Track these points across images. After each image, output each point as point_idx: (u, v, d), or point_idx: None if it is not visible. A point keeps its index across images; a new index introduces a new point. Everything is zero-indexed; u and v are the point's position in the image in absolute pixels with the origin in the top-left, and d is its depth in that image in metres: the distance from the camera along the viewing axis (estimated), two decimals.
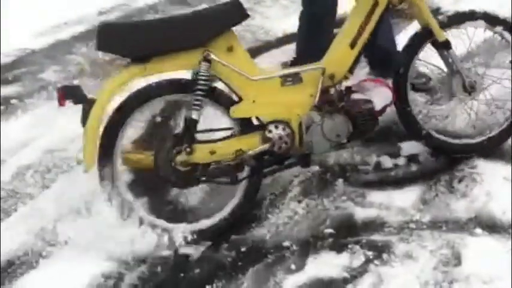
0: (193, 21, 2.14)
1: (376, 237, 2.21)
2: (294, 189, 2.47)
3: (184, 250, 2.19)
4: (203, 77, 2.11)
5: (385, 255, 2.11)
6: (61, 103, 2.10)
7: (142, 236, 2.17)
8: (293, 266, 2.11)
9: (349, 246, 2.17)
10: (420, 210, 2.31)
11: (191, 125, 2.14)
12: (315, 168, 2.58)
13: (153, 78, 2.17)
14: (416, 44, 2.42)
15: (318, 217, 2.33)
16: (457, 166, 2.49)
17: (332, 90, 2.25)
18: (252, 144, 2.19)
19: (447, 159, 2.54)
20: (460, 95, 2.46)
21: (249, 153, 2.16)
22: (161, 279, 2.10)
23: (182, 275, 2.11)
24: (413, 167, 2.54)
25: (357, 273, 2.06)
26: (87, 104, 2.10)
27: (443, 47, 2.37)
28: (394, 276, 2.04)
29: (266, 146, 2.18)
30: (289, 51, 3.48)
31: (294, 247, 2.20)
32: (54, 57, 3.67)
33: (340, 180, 2.50)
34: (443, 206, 2.32)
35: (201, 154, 2.15)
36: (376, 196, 2.41)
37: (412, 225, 2.25)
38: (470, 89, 2.41)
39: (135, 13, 4.14)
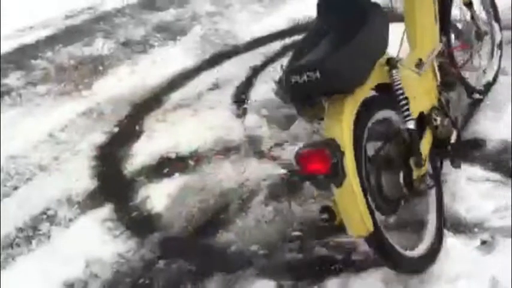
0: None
1: (343, 238, 2.21)
2: (261, 193, 2.47)
3: None
4: (398, 85, 1.91)
5: (351, 257, 2.11)
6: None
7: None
8: (260, 271, 2.10)
9: (316, 248, 2.17)
10: None
11: (414, 135, 1.92)
12: (283, 171, 2.58)
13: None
14: None
15: (285, 220, 2.33)
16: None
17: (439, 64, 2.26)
18: (428, 141, 2.04)
19: None
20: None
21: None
22: (127, 285, 2.08)
23: (147, 281, 2.08)
24: None
25: (324, 275, 2.06)
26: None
27: None
28: (361, 277, 2.05)
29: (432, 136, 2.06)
30: (258, 55, 3.49)
31: (262, 251, 2.19)
32: (18, 62, 3.61)
33: (308, 184, 2.50)
34: (406, 207, 2.33)
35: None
36: None
37: None
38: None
39: (103, 17, 4.09)
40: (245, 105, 3.06)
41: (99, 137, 2.90)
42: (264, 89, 3.17)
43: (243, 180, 2.54)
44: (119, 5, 4.21)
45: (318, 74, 1.66)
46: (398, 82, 1.90)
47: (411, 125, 1.90)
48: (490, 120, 2.72)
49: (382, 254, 1.89)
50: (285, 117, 2.92)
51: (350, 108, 1.76)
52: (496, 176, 2.42)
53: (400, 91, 1.90)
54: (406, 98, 1.91)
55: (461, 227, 2.21)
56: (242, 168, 2.62)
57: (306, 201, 2.42)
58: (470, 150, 2.30)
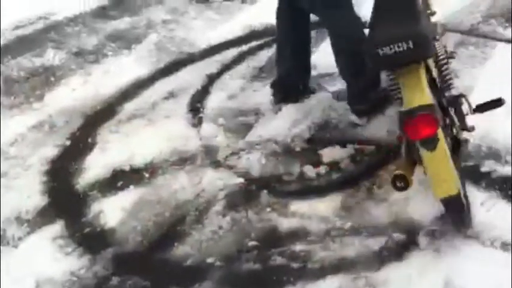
0: None
1: (299, 247, 2.21)
2: (218, 203, 2.44)
3: None
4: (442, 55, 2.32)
5: (307, 265, 2.11)
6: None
7: None
8: (217, 284, 2.08)
9: (273, 257, 2.16)
10: (342, 217, 2.33)
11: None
12: (240, 180, 2.56)
13: None
14: None
15: (242, 230, 2.31)
16: (376, 172, 2.53)
17: None
18: None
19: (367, 165, 2.58)
20: None
21: None
22: None
23: None
24: (335, 175, 2.56)
25: (281, 285, 2.05)
26: None
27: None
28: (317, 286, 2.05)
29: None
30: (214, 63, 3.46)
31: (218, 263, 2.17)
32: None
33: (265, 192, 2.49)
34: (363, 212, 2.35)
35: None
36: (299, 206, 2.41)
37: (334, 233, 2.26)
38: None
39: (54, 26, 3.99)
40: (201, 114, 3.03)
41: (50, 151, 2.83)
42: (220, 97, 3.15)
43: (199, 191, 2.51)
44: (70, 14, 4.12)
45: (411, 44, 1.83)
46: (441, 53, 2.26)
47: (455, 91, 2.16)
48: None
49: (460, 216, 2.09)
50: (241, 126, 2.91)
51: (424, 76, 1.97)
52: None
53: (444, 61, 2.24)
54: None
55: (414, 231, 2.23)
56: (198, 178, 2.59)
57: (263, 210, 2.41)
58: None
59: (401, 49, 1.84)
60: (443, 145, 1.91)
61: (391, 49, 1.85)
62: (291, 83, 2.97)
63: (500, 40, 3.39)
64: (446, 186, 1.95)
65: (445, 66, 2.35)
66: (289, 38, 2.90)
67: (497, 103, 2.20)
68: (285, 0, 2.82)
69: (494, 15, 3.63)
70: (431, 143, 1.89)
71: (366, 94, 2.80)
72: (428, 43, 1.93)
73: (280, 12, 2.89)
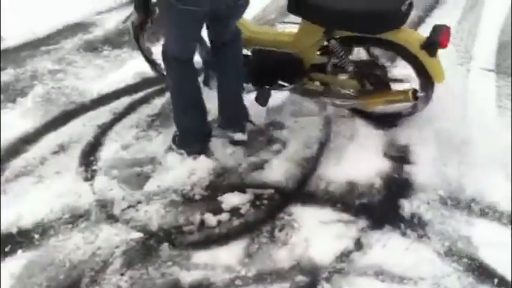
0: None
1: None
2: (115, 261, 2.34)
3: None
4: None
5: None
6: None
7: None
8: None
9: None
10: (245, 264, 2.32)
11: None
12: (138, 235, 2.47)
13: None
14: None
15: None
16: (276, 215, 2.55)
17: None
18: None
19: (267, 209, 2.60)
20: None
21: None
22: None
23: None
24: (236, 221, 2.55)
25: None
26: None
27: None
28: None
29: None
30: (106, 112, 3.37)
31: None
32: None
33: (165, 245, 2.42)
34: (266, 257, 2.35)
35: None
36: (201, 256, 2.37)
37: (239, 282, 2.24)
38: None
39: None
40: (94, 167, 2.92)
41: None
42: (114, 148, 3.05)
43: (95, 250, 2.39)
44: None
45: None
46: None
47: None
48: (334, 163, 2.87)
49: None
50: (137, 177, 2.83)
51: None
52: (345, 216, 2.54)
53: None
54: None
55: (316, 272, 2.26)
56: (93, 236, 2.47)
57: (163, 265, 2.33)
58: None
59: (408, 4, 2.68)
60: None
61: (405, 5, 2.64)
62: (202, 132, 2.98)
63: None
64: (443, 75, 2.76)
65: None
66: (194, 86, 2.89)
67: None
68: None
69: None
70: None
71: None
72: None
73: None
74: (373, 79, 2.92)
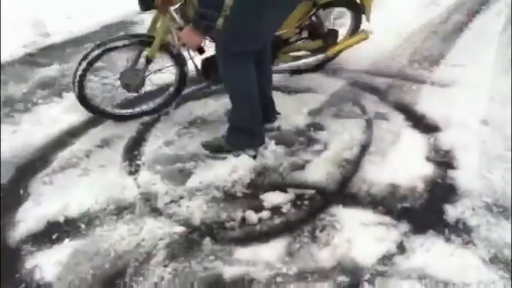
0: None
1: None
2: (159, 253, 2.38)
3: None
4: None
5: None
6: None
7: None
8: None
9: None
10: (286, 262, 2.33)
11: None
12: (181, 228, 2.51)
13: None
14: None
15: (185, 281, 2.25)
16: (318, 215, 2.56)
17: None
18: None
19: (308, 209, 2.61)
20: None
21: None
22: None
23: None
24: (277, 220, 2.56)
25: None
26: None
27: None
28: None
29: None
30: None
31: None
32: None
33: (208, 239, 2.45)
34: (308, 257, 2.35)
35: None
36: (243, 252, 2.39)
37: (279, 279, 2.25)
38: None
39: None
40: (137, 162, 2.97)
41: None
42: (157, 144, 3.11)
43: (139, 241, 2.44)
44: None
45: None
46: None
47: None
48: (375, 165, 2.86)
49: None
50: (179, 172, 2.88)
51: None
52: (387, 219, 2.53)
53: None
54: None
55: (358, 273, 2.26)
56: (138, 228, 2.52)
57: (206, 259, 2.36)
58: None
59: None
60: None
61: None
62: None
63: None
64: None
65: None
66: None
67: None
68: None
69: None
70: None
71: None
72: None
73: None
74: (329, 34, 3.68)
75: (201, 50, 2.96)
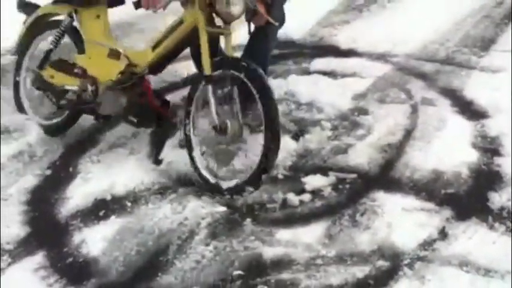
0: None
1: (285, 275, 2.21)
2: (201, 232, 2.43)
3: None
4: None
5: None
6: None
7: None
8: None
9: (258, 287, 2.15)
10: (326, 245, 2.34)
11: None
12: (223, 208, 2.56)
13: None
14: None
15: (226, 259, 2.30)
16: (359, 199, 2.56)
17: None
18: None
19: (349, 193, 2.61)
20: None
21: None
22: None
23: None
24: (318, 203, 2.58)
25: None
26: None
27: None
28: None
29: None
30: None
31: None
32: None
33: (248, 220, 2.49)
34: (347, 240, 2.36)
35: None
36: (283, 234, 2.42)
37: (319, 261, 2.27)
38: None
39: None
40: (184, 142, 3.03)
41: (30, 181, 2.80)
42: (203, 126, 3.15)
43: (182, 220, 2.50)
44: None
45: None
46: None
47: None
48: (419, 151, 2.83)
49: None
50: (222, 153, 2.92)
51: None
52: (429, 205, 2.51)
53: None
54: None
55: (398, 258, 2.25)
56: (181, 207, 2.58)
57: (246, 239, 2.40)
58: None
59: None
60: None
61: None
62: None
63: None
64: None
65: None
66: None
67: None
68: None
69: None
70: None
71: None
72: None
73: None
74: None
75: None
